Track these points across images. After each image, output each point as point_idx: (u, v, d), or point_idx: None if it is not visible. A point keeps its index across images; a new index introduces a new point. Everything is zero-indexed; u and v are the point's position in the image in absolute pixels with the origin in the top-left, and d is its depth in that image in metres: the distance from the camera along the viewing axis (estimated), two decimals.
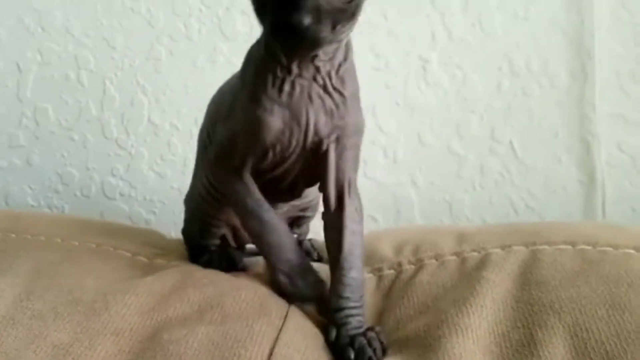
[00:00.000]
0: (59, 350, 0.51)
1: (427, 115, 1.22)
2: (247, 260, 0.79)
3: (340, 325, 0.64)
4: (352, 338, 0.62)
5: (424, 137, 1.22)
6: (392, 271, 0.74)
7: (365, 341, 0.61)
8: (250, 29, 1.23)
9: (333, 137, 0.67)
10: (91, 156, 1.29)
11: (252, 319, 0.59)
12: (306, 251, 0.89)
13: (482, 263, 0.69)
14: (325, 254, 0.75)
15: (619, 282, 0.61)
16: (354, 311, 0.65)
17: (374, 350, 0.60)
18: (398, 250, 0.77)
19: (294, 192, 0.76)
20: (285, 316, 0.63)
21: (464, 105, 1.21)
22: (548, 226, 0.77)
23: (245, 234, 0.79)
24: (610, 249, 0.68)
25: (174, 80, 1.26)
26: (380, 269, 0.75)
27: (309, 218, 0.89)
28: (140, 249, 0.79)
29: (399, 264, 0.74)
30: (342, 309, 0.65)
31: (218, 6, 1.24)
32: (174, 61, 1.25)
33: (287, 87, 0.65)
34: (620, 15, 1.16)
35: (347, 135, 0.68)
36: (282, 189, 0.74)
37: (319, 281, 0.70)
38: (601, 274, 0.63)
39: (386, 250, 0.78)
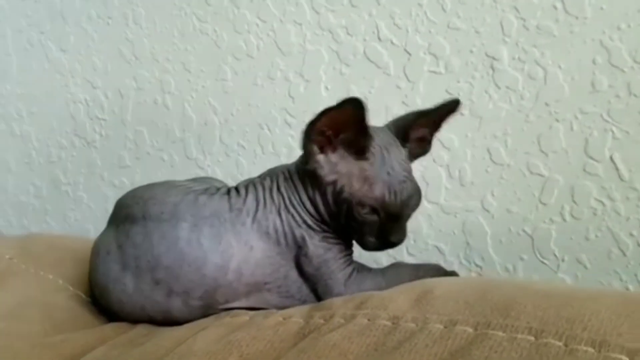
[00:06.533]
0: None
1: (499, 126, 0.98)
2: None
3: None
4: None
5: (495, 154, 0.99)
6: (321, 321, 0.61)
7: None
8: (304, 40, 1.14)
9: None
10: (178, 176, 1.34)
11: None
12: None
13: (407, 339, 0.52)
14: None
15: None
16: None
17: None
18: (347, 300, 0.64)
19: None
20: None
21: (546, 111, 0.94)
22: (548, 301, 0.53)
23: None
24: (591, 349, 0.45)
25: (239, 99, 1.24)
26: (312, 316, 0.63)
27: None
28: None
29: (332, 316, 0.61)
30: None
31: (273, 19, 1.18)
32: (238, 80, 1.23)
33: None
34: None
35: None
36: None
37: None
38: None
39: (339, 299, 0.66)
